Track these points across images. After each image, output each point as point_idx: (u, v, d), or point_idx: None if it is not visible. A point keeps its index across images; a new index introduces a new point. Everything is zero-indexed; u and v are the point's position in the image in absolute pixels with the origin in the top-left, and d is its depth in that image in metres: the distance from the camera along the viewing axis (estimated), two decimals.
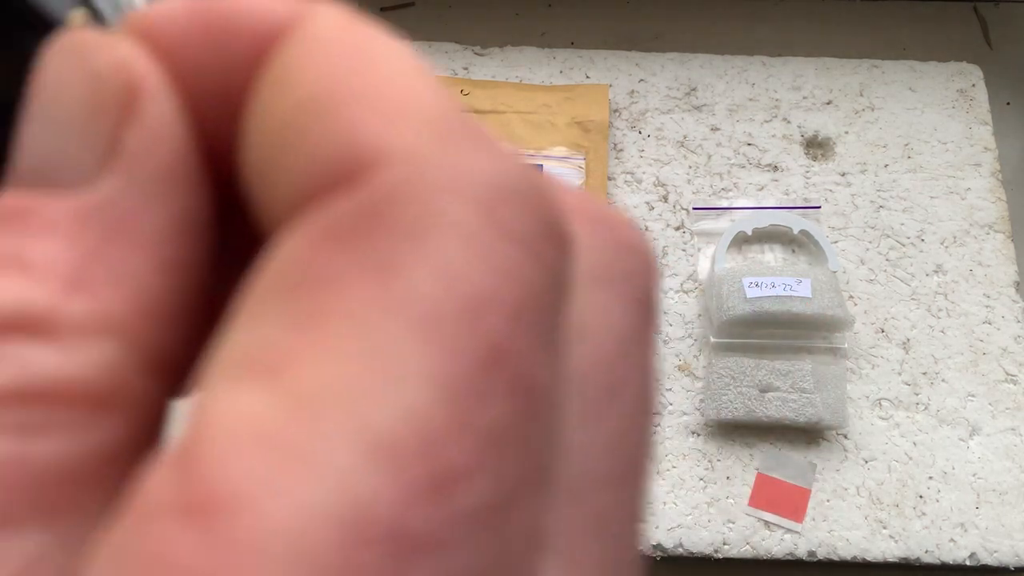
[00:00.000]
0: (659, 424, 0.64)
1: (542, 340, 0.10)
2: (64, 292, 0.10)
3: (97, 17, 0.14)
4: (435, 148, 0.10)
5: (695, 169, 0.73)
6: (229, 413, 0.09)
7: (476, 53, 0.77)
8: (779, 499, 0.62)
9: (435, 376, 0.09)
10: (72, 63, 0.11)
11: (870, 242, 0.71)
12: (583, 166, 0.72)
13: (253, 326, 0.10)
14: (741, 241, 0.70)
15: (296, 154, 0.10)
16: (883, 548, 0.61)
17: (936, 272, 0.70)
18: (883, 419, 0.65)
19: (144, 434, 0.11)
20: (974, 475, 0.63)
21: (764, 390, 0.63)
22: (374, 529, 0.08)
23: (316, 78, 0.10)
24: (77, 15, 0.13)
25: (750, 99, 0.76)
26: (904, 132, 0.75)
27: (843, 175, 0.73)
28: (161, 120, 0.11)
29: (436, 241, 0.09)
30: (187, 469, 0.09)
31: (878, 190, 0.72)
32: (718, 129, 0.74)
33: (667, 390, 0.65)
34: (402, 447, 0.09)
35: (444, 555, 0.09)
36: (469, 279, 0.09)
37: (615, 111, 0.75)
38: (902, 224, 0.71)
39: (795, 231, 0.69)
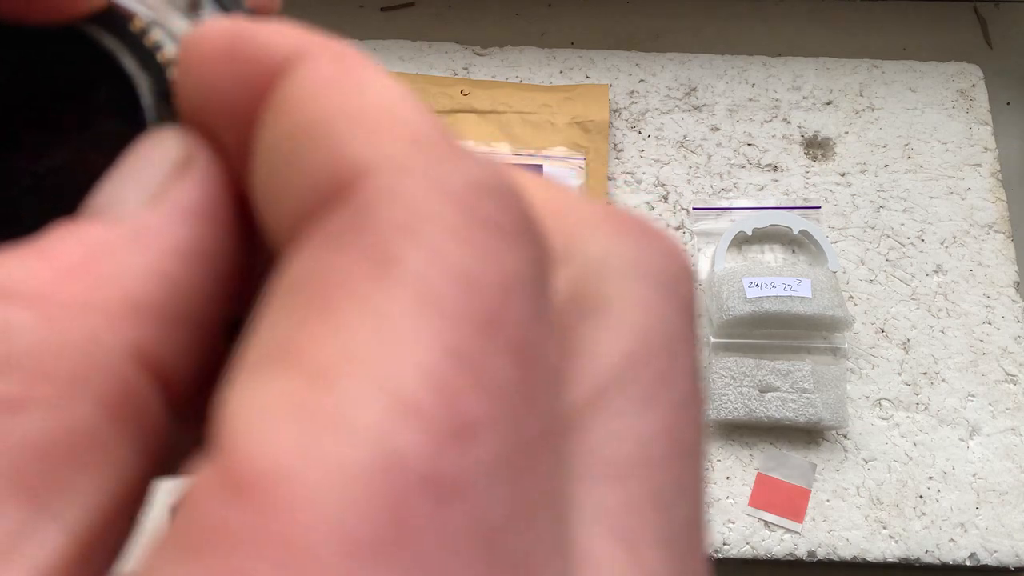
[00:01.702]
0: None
1: (532, 311, 0.11)
2: (62, 274, 0.11)
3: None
4: (416, 157, 0.11)
5: (695, 169, 0.73)
6: (255, 397, 0.10)
7: (476, 53, 0.77)
8: (779, 499, 0.62)
9: (442, 339, 0.10)
10: (152, 145, 0.13)
11: (870, 242, 0.71)
12: (583, 166, 0.72)
13: (270, 327, 0.10)
14: (741, 241, 0.70)
15: (294, 175, 0.11)
16: (883, 548, 0.61)
17: (936, 272, 0.70)
18: (883, 419, 0.65)
19: (133, 427, 0.11)
20: (974, 475, 0.63)
21: (764, 390, 0.63)
22: (411, 476, 0.09)
23: (310, 106, 0.12)
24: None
25: (750, 99, 0.76)
26: (904, 132, 0.75)
27: (843, 175, 0.73)
28: (202, 177, 0.13)
29: (424, 232, 0.10)
30: (223, 454, 0.09)
31: (878, 190, 0.72)
32: (718, 129, 0.74)
33: None
34: (423, 402, 0.09)
35: (477, 498, 0.09)
36: (458, 260, 0.10)
37: (615, 111, 0.75)
38: (902, 224, 0.71)
39: (795, 231, 0.69)
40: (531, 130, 0.73)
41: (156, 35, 0.14)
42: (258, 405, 0.10)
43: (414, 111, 0.12)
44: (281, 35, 0.12)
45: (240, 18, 0.14)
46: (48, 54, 0.15)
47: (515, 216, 0.11)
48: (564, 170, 0.71)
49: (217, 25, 0.13)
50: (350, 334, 0.10)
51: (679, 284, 0.13)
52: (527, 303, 0.11)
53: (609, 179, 0.72)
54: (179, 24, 0.15)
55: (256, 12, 0.15)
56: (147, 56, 0.14)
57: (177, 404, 0.12)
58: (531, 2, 0.81)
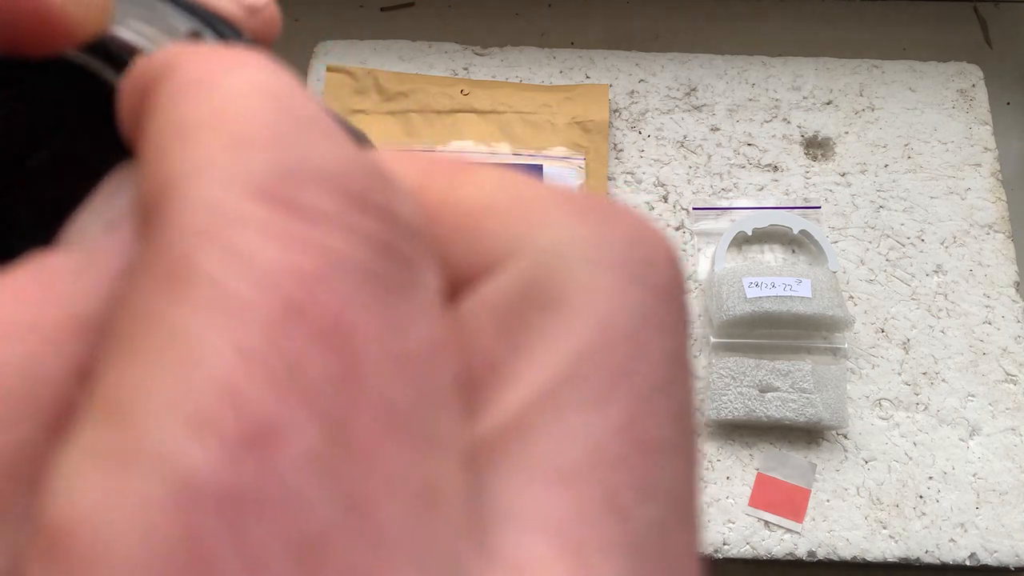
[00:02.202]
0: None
1: (358, 295, 0.10)
2: (8, 300, 0.11)
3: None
4: (223, 156, 0.10)
5: (695, 169, 0.73)
6: (68, 449, 0.09)
7: (476, 53, 0.77)
8: (779, 499, 0.62)
9: (231, 341, 0.09)
10: (116, 171, 0.13)
11: (870, 242, 0.71)
12: (583, 166, 0.72)
13: (95, 374, 0.10)
14: (741, 241, 0.70)
15: (137, 195, 0.11)
16: (883, 548, 0.61)
17: (936, 272, 0.70)
18: (883, 419, 0.65)
19: None
20: (974, 475, 0.63)
21: (764, 390, 0.63)
22: (206, 496, 0.08)
23: (155, 119, 0.11)
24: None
25: (750, 99, 0.76)
26: (904, 132, 0.75)
27: (843, 175, 0.73)
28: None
29: (219, 233, 0.10)
30: (40, 514, 0.09)
31: (878, 190, 0.72)
32: (718, 129, 0.74)
33: None
34: (213, 413, 0.09)
35: (289, 506, 0.09)
36: (259, 257, 0.10)
37: (615, 111, 0.75)
38: (902, 224, 0.71)
39: (795, 231, 0.69)
40: (531, 130, 0.73)
41: None
42: (68, 457, 0.09)
43: (254, 105, 0.11)
44: (163, 53, 0.12)
45: (238, 48, 0.14)
46: (51, 88, 0.15)
47: (343, 198, 0.10)
48: (564, 170, 0.71)
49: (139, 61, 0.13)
50: (146, 361, 0.09)
51: (648, 269, 0.12)
52: (348, 288, 0.10)
53: (609, 179, 0.72)
54: None
55: (257, 40, 0.15)
56: None
57: None
58: (531, 2, 0.81)
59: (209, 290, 0.09)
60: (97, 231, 0.12)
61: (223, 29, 0.15)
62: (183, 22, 0.15)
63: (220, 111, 0.11)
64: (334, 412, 0.09)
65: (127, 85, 0.12)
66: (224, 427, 0.09)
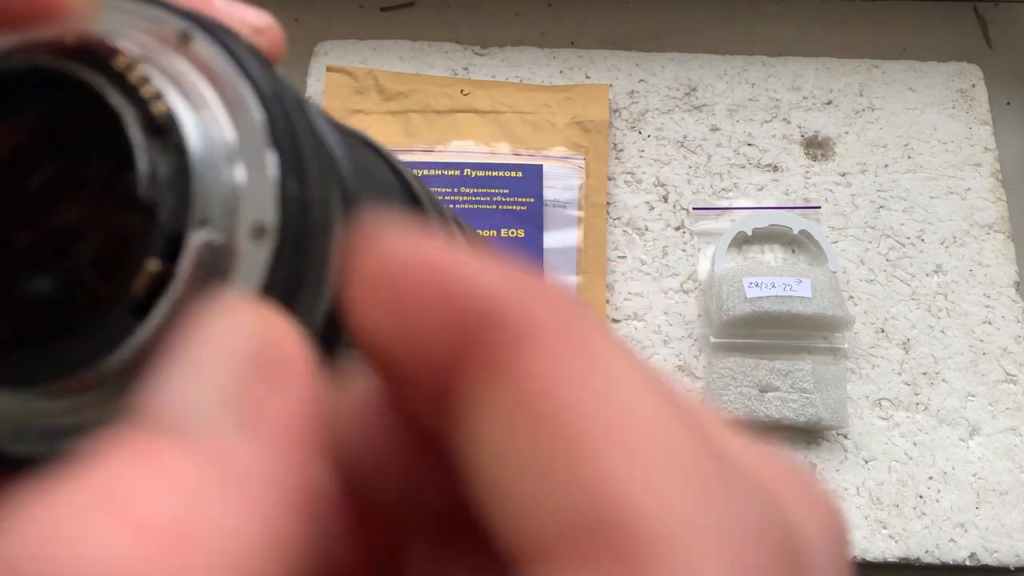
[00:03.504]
0: None
1: None
2: (148, 540, 0.09)
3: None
4: (687, 501, 0.10)
5: (695, 169, 0.73)
6: None
7: (476, 53, 0.77)
8: None
9: None
10: (225, 326, 0.11)
11: (870, 242, 0.71)
12: (583, 166, 0.72)
13: None
14: (741, 241, 0.70)
15: (541, 493, 0.10)
16: (883, 548, 0.61)
17: (936, 272, 0.70)
18: (883, 419, 0.65)
19: None
20: (974, 475, 0.63)
21: (764, 390, 0.63)
22: None
23: (553, 406, 0.10)
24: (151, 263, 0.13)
25: (750, 99, 0.76)
26: (904, 132, 0.75)
27: (843, 175, 0.73)
28: (302, 388, 0.11)
29: None
30: None
31: (878, 190, 0.72)
32: (718, 129, 0.74)
33: None
34: None
35: None
36: None
37: (615, 111, 0.75)
38: (902, 224, 0.71)
39: (795, 231, 0.69)
40: (531, 130, 0.73)
41: (142, 70, 0.14)
42: None
43: (673, 419, 0.10)
44: (495, 285, 0.11)
45: (410, 225, 0.12)
46: (50, 106, 0.14)
47: (785, 563, 0.10)
48: (564, 170, 0.71)
49: (413, 249, 0.11)
50: None
51: (846, 549, 0.12)
52: None
53: (609, 179, 0.72)
54: (167, 59, 0.14)
55: (256, 47, 0.15)
56: (132, 90, 0.14)
57: None
58: (531, 2, 0.81)
59: None
60: (213, 412, 0.10)
61: (215, 30, 0.15)
62: (175, 22, 0.15)
63: (643, 424, 0.10)
64: None
65: (393, 284, 0.11)
66: None
